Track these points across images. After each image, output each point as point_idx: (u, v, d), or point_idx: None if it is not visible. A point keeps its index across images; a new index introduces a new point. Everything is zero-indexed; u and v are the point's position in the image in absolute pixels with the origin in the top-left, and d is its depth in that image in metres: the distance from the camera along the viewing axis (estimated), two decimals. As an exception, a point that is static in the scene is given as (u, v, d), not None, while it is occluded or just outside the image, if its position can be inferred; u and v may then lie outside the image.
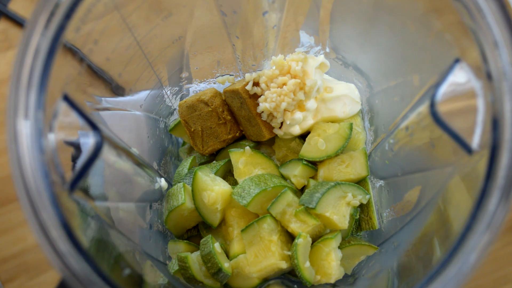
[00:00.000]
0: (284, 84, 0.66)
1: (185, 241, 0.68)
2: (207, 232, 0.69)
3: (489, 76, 0.40)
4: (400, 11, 0.56)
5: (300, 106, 0.67)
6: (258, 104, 0.68)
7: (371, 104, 0.73)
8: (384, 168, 0.67)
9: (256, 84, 0.67)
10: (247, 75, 0.68)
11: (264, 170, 0.69)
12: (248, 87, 0.67)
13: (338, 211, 0.63)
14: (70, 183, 0.42)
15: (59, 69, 0.41)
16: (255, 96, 0.68)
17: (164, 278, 0.62)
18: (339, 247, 0.64)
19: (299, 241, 0.61)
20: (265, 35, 0.68)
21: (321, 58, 0.68)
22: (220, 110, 0.70)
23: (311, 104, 0.67)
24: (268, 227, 0.62)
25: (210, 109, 0.70)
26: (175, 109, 0.77)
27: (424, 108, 0.51)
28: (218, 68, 0.74)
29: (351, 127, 0.67)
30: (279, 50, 0.73)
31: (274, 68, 0.67)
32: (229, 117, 0.71)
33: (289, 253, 0.63)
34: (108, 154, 0.50)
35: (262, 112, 0.68)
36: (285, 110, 0.66)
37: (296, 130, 0.68)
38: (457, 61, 0.45)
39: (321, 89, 0.67)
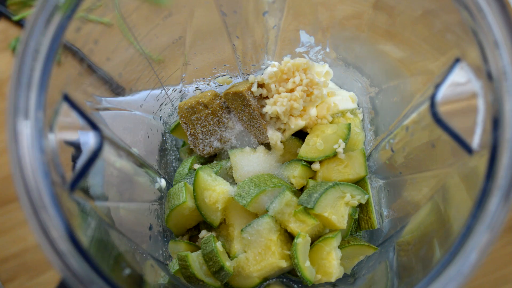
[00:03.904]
0: (293, 90, 0.67)
1: (186, 241, 0.68)
2: (208, 231, 0.69)
3: (489, 76, 0.40)
4: (400, 10, 0.56)
5: (303, 111, 0.69)
6: (262, 106, 0.68)
7: (371, 104, 0.73)
8: (384, 168, 0.67)
9: (260, 85, 0.68)
10: (251, 77, 0.68)
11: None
12: (254, 89, 0.67)
13: (337, 211, 0.63)
14: (70, 183, 0.42)
15: (59, 69, 0.41)
16: (259, 98, 0.69)
17: (165, 278, 0.62)
18: (338, 247, 0.64)
19: (298, 240, 0.61)
20: (265, 35, 0.68)
21: (326, 66, 0.70)
22: (220, 112, 0.70)
23: (313, 111, 0.68)
24: (268, 227, 0.62)
25: (209, 111, 0.70)
26: (175, 109, 0.77)
27: (424, 108, 0.51)
28: (218, 68, 0.74)
29: (349, 128, 0.67)
30: (280, 50, 0.73)
31: (277, 67, 0.68)
32: (228, 119, 0.71)
33: (289, 252, 0.63)
34: (108, 154, 0.50)
35: (266, 113, 0.68)
36: (290, 115, 0.67)
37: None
38: (457, 61, 0.45)
39: (325, 96, 0.69)
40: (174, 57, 0.67)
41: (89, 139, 0.44)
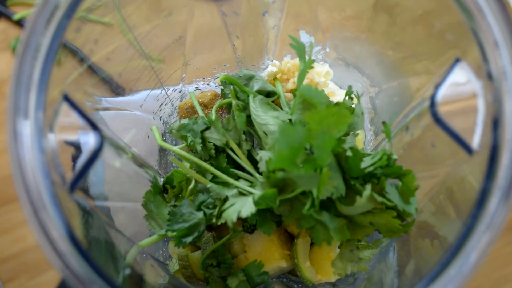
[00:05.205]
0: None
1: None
2: (208, 231, 0.69)
3: (489, 76, 0.41)
4: (400, 11, 0.56)
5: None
6: None
7: (371, 104, 0.73)
8: (384, 168, 0.67)
9: None
10: None
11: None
12: None
13: (338, 211, 0.63)
14: (70, 183, 0.42)
15: (59, 69, 0.41)
16: None
17: (165, 278, 0.62)
18: (338, 247, 0.64)
19: (298, 240, 0.61)
20: (265, 35, 0.68)
21: (326, 66, 0.69)
22: (220, 112, 0.70)
23: None
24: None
25: (209, 111, 0.70)
26: (175, 109, 0.77)
27: (424, 108, 0.51)
28: (218, 68, 0.74)
29: (350, 127, 0.67)
30: (280, 50, 0.73)
31: (277, 67, 0.67)
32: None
33: (289, 252, 0.63)
34: (108, 154, 0.50)
35: None
36: None
37: None
38: (457, 61, 0.45)
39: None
40: (174, 57, 0.67)
41: (89, 139, 0.44)
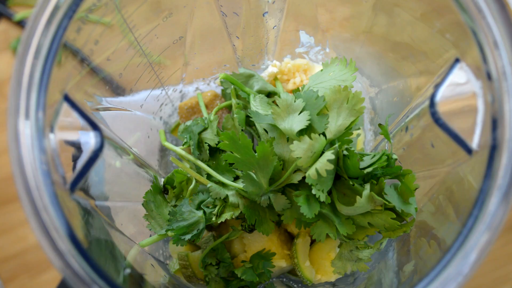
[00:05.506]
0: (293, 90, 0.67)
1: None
2: (208, 231, 0.69)
3: (489, 76, 0.41)
4: (400, 11, 0.56)
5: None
6: None
7: (371, 104, 0.73)
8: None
9: None
10: None
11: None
12: None
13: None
14: (70, 183, 0.42)
15: (60, 69, 0.41)
16: None
17: (165, 278, 0.62)
18: (338, 247, 0.64)
19: (298, 240, 0.61)
20: (265, 35, 0.69)
21: None
22: (220, 112, 0.70)
23: None
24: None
25: (209, 111, 0.70)
26: (175, 109, 0.77)
27: (424, 108, 0.51)
28: (218, 68, 0.75)
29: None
30: (280, 51, 0.73)
31: (278, 68, 0.67)
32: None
33: (289, 252, 0.63)
34: (108, 154, 0.50)
35: None
36: None
37: None
38: (457, 61, 0.45)
39: None
40: (175, 57, 0.67)
41: (89, 139, 0.44)
